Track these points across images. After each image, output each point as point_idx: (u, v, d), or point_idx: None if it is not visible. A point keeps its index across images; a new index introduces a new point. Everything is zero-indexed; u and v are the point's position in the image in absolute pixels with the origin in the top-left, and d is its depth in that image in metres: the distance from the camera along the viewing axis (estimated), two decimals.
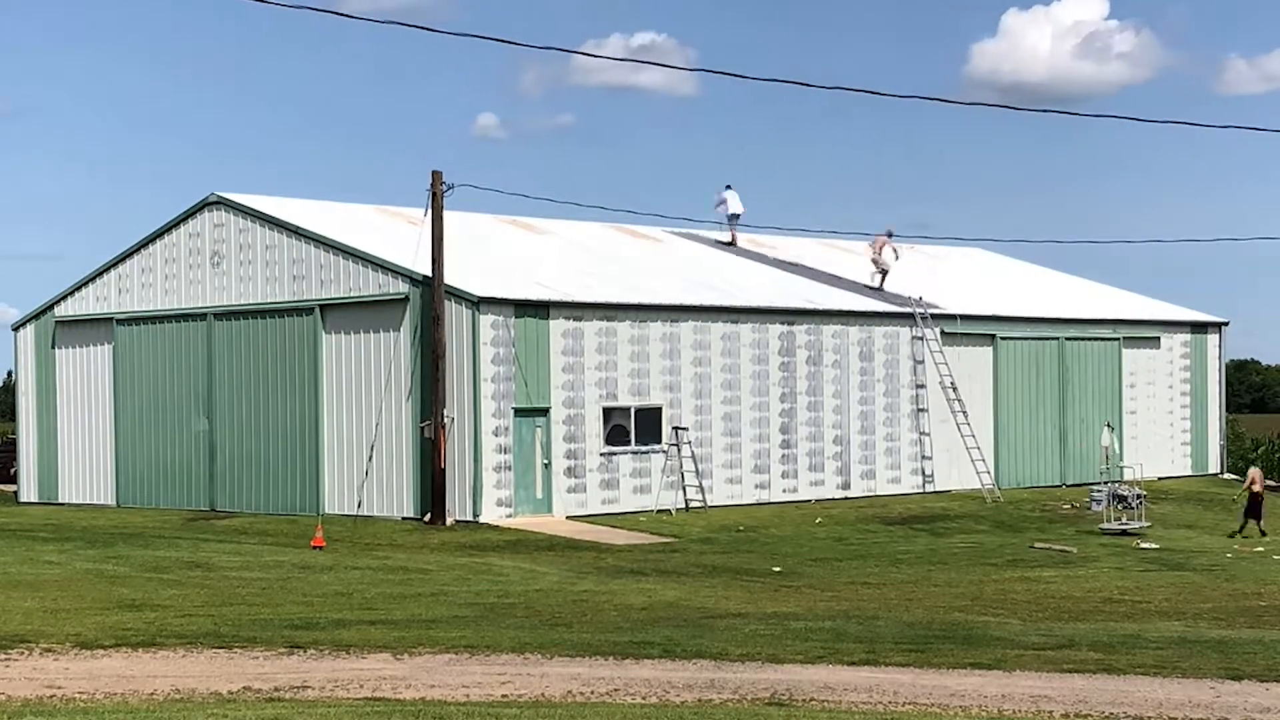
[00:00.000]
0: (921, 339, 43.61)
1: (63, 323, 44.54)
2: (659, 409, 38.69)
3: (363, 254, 38.06)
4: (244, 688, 14.19)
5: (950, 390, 43.64)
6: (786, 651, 16.72)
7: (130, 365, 42.87)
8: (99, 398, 43.71)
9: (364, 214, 43.10)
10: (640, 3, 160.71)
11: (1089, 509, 39.73)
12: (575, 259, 42.65)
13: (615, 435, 37.93)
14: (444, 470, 35.54)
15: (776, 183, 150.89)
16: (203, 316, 41.16)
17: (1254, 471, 37.49)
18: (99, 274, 43.79)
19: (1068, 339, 47.54)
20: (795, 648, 17.02)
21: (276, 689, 14.13)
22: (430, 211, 36.19)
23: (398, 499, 37.11)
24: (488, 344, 35.74)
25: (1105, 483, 40.71)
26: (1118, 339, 48.74)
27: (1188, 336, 50.95)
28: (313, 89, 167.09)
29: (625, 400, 38.07)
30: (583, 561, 29.83)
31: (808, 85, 21.13)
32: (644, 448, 38.37)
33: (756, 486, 40.40)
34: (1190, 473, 50.28)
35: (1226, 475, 51.40)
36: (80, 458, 44.27)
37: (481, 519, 35.45)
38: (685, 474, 38.94)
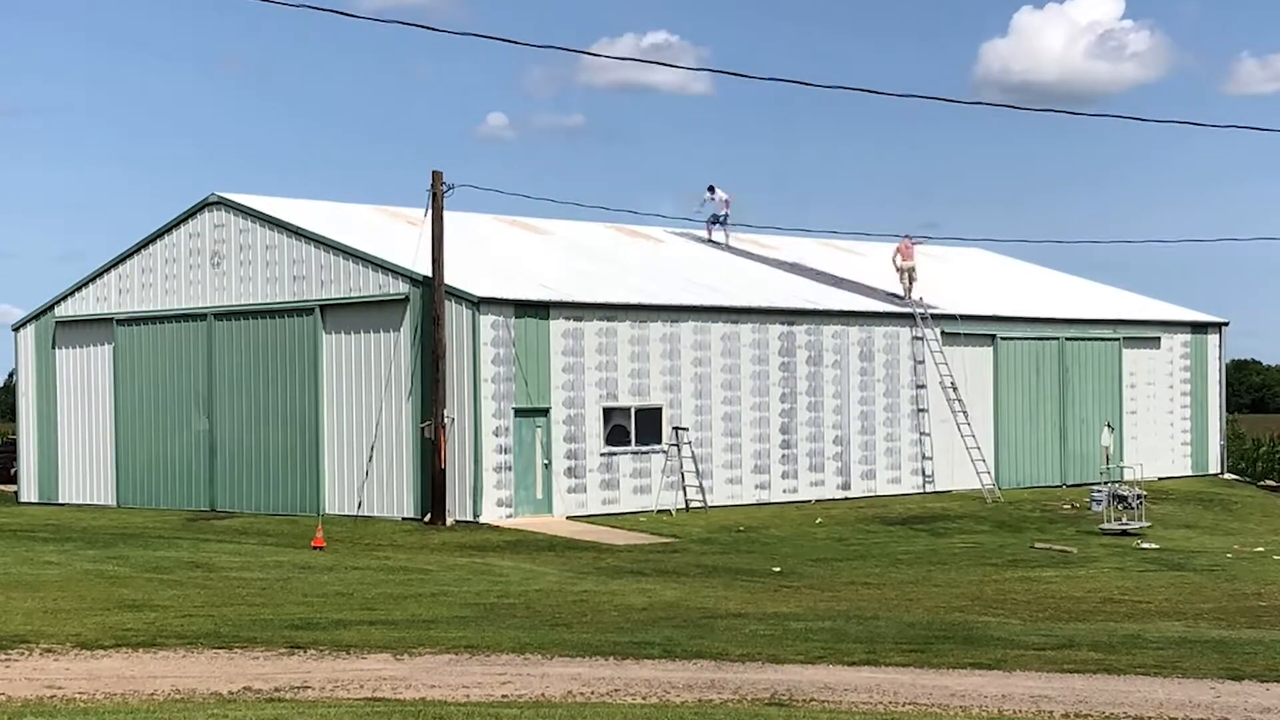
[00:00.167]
0: (922, 339, 43.61)
1: (63, 323, 44.56)
2: (659, 409, 38.69)
3: (363, 254, 38.07)
4: (244, 688, 14.20)
5: (951, 390, 43.64)
6: (786, 651, 16.73)
7: (130, 365, 42.88)
8: (99, 398, 43.72)
9: (364, 214, 43.12)
10: (653, 2, 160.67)
11: (1089, 509, 39.73)
12: (575, 259, 42.67)
13: (615, 435, 37.93)
14: (444, 470, 35.55)
15: (778, 183, 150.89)
16: (203, 317, 41.17)
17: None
18: (99, 274, 43.81)
19: (1068, 339, 47.55)
20: (795, 648, 17.02)
21: (277, 689, 14.14)
22: (430, 212, 36.21)
23: (398, 499, 37.12)
24: (488, 344, 35.75)
25: (1105, 483, 40.70)
26: (1118, 339, 48.75)
27: (1188, 336, 50.95)
28: (315, 89, 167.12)
29: (625, 400, 38.08)
30: (583, 562, 29.84)
31: (807, 85, 21.16)
32: (644, 448, 38.37)
33: (756, 487, 40.41)
34: (1190, 473, 50.28)
35: (1227, 475, 51.42)
36: (80, 458, 44.28)
37: (481, 519, 35.46)
38: (685, 474, 38.94)
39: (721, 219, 47.77)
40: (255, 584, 24.22)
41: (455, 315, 35.89)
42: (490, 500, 35.77)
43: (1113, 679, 15.07)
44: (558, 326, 36.96)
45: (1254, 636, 18.78)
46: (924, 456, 43.58)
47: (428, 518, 35.73)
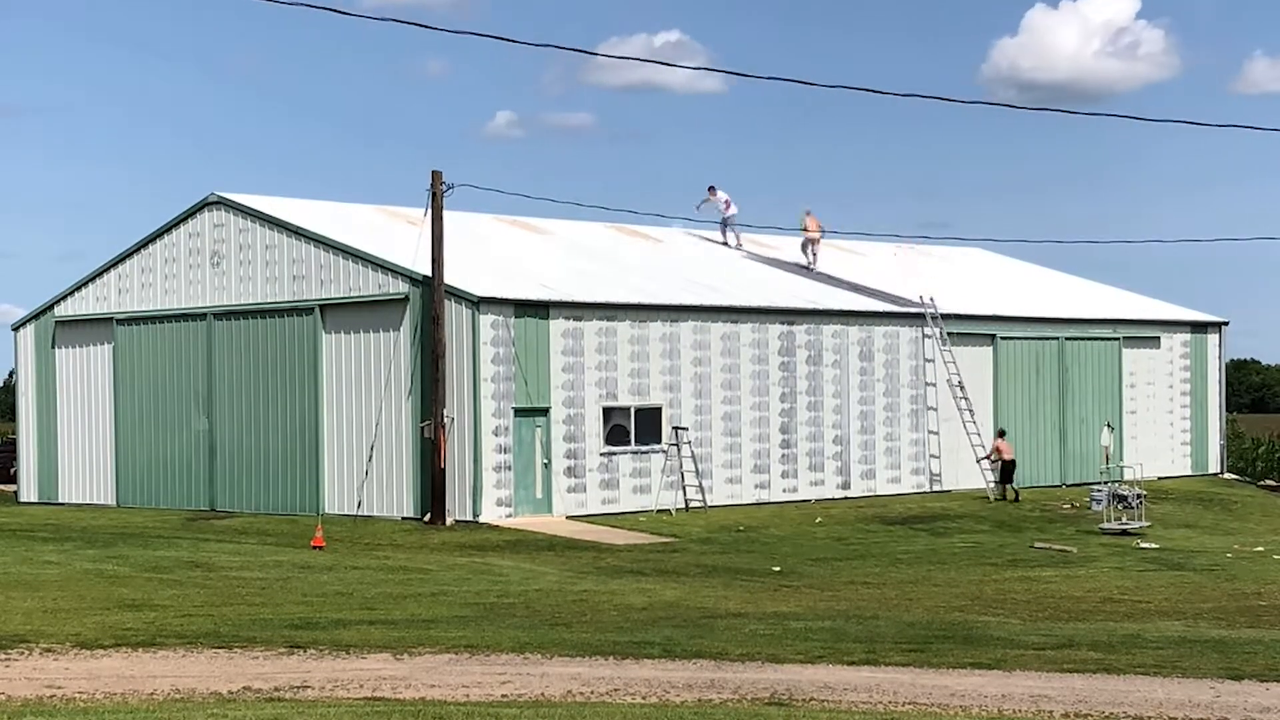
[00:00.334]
0: (931, 338, 43.65)
1: (63, 322, 44.55)
2: (659, 409, 38.69)
3: (363, 254, 38.07)
4: (244, 688, 14.20)
5: (958, 389, 43.66)
6: (786, 651, 16.73)
7: (130, 365, 42.87)
8: (99, 398, 43.71)
9: (364, 214, 43.11)
10: (664, 2, 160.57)
11: (1089, 509, 39.73)
12: (575, 259, 42.66)
13: (615, 435, 37.93)
14: (444, 470, 35.55)
15: (779, 183, 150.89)
16: (203, 316, 41.16)
17: (999, 442, 42.62)
18: (99, 274, 43.79)
19: (1068, 339, 47.54)
20: (795, 647, 17.02)
21: (276, 689, 14.14)
22: (430, 211, 36.20)
23: (398, 499, 37.12)
24: (488, 344, 35.75)
25: (1105, 482, 40.70)
26: (1118, 339, 48.74)
27: (1188, 336, 50.94)
28: (315, 88, 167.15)
29: (625, 400, 38.08)
30: (582, 561, 29.84)
31: (807, 84, 21.14)
32: (644, 448, 38.37)
33: (756, 486, 40.40)
34: (1190, 473, 50.27)
35: (1227, 475, 51.41)
36: (80, 458, 44.27)
37: (481, 519, 35.46)
38: (685, 474, 38.94)
39: (730, 221, 47.71)
40: (255, 584, 24.22)
41: (455, 315, 35.88)
42: (490, 500, 35.76)
43: (1112, 679, 15.07)
44: (557, 326, 36.96)
45: (1254, 636, 18.78)
46: (931, 455, 43.58)
47: (427, 517, 35.72)
